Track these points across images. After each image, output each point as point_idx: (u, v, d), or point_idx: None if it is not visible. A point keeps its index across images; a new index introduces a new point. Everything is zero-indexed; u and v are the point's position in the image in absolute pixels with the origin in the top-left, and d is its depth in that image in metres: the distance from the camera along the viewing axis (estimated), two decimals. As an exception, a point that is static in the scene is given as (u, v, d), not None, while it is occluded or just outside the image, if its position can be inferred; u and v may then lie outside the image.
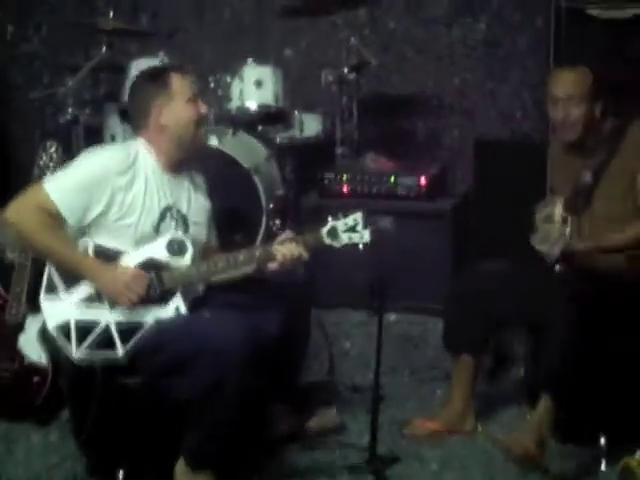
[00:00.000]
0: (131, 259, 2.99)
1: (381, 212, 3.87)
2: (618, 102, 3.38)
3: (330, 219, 3.03)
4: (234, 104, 4.48)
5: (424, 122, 5.25)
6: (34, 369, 3.57)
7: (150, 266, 2.98)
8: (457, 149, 5.21)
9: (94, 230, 3.00)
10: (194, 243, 3.08)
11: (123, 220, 3.00)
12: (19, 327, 3.58)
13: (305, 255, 3.05)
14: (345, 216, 3.03)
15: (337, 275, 3.96)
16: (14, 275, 3.61)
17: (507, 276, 3.41)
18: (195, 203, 3.22)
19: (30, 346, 3.58)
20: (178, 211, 3.13)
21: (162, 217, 3.07)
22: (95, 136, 4.59)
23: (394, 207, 4.03)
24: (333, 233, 3.02)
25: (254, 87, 4.47)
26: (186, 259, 3.01)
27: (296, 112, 4.63)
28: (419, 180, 4.05)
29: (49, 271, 3.01)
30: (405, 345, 3.91)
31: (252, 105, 4.50)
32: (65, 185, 2.96)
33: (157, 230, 3.05)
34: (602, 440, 3.06)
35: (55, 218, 2.93)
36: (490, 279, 3.46)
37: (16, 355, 3.58)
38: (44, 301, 3.00)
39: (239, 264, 3.06)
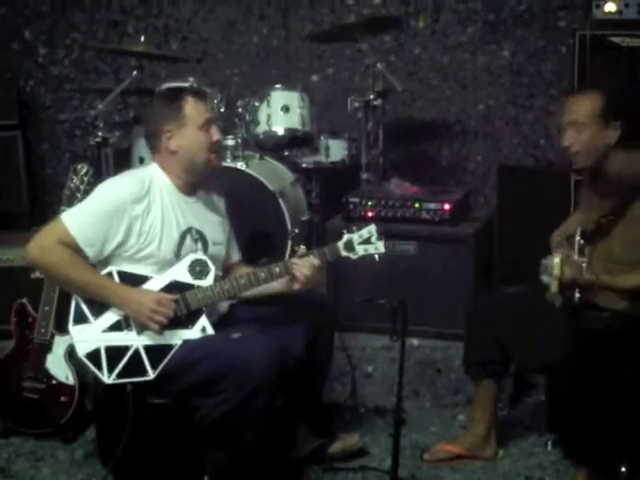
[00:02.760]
0: (155, 283, 3.03)
1: (405, 237, 3.97)
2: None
3: (345, 232, 3.14)
4: (261, 128, 4.51)
5: (448, 147, 5.29)
6: (61, 388, 3.62)
7: (174, 289, 3.03)
8: (481, 174, 5.25)
9: (115, 260, 3.04)
10: (215, 262, 3.12)
11: (143, 251, 3.03)
12: (47, 347, 3.63)
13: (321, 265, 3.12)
14: (359, 229, 3.13)
15: (360, 299, 3.98)
16: (43, 294, 3.64)
17: (525, 301, 3.35)
18: (213, 223, 3.25)
19: (57, 366, 3.62)
20: (197, 232, 3.16)
21: (182, 240, 3.10)
22: (124, 158, 4.64)
23: (418, 232, 4.04)
24: (349, 246, 3.12)
25: (281, 112, 4.50)
26: (209, 279, 3.05)
27: (322, 137, 4.66)
28: (443, 205, 4.05)
29: (76, 300, 3.04)
30: (427, 370, 3.92)
31: (279, 130, 4.52)
32: (83, 219, 2.99)
33: (178, 254, 3.08)
34: (622, 468, 3.04)
35: (77, 250, 2.97)
36: (508, 303, 3.47)
37: (44, 374, 3.62)
38: (73, 330, 3.02)
39: (260, 281, 3.10)
